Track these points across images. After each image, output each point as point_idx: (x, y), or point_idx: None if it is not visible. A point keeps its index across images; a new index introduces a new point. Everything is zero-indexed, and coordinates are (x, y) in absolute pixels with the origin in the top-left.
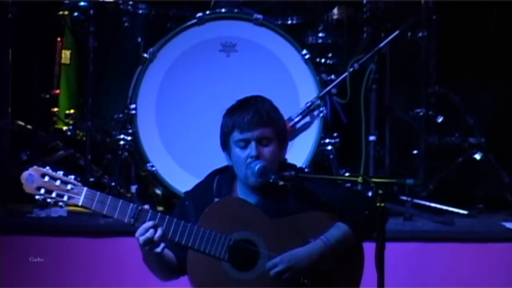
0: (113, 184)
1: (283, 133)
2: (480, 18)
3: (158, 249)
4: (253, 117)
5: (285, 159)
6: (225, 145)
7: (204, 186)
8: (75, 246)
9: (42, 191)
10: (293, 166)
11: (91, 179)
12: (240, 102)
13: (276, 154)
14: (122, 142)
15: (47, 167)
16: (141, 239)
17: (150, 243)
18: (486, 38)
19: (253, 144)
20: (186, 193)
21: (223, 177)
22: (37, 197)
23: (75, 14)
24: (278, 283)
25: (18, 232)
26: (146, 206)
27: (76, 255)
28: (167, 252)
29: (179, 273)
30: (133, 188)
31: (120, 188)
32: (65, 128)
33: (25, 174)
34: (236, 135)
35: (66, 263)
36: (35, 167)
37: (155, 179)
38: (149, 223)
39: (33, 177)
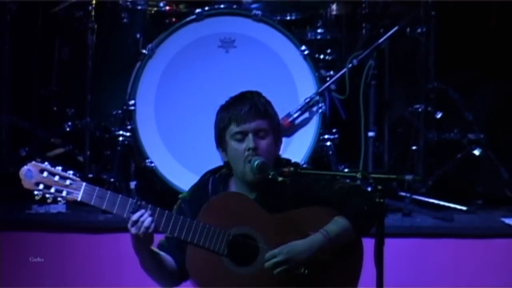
0: (112, 180)
1: (278, 128)
2: (479, 13)
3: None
4: (250, 110)
5: (280, 155)
6: (221, 141)
7: (199, 188)
8: (75, 242)
9: (41, 186)
10: (288, 161)
11: (90, 175)
12: (235, 97)
13: (272, 147)
14: (121, 138)
15: (46, 163)
16: (132, 223)
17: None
18: (485, 34)
19: (250, 136)
20: (182, 196)
21: (217, 177)
22: (35, 192)
23: (74, 10)
24: (277, 277)
25: (17, 228)
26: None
27: (75, 251)
28: (166, 256)
29: (180, 279)
30: (132, 184)
31: (119, 184)
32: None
33: (23, 170)
34: (233, 128)
35: (66, 259)
36: (33, 162)
37: (154, 175)
38: (138, 213)
39: (32, 173)
